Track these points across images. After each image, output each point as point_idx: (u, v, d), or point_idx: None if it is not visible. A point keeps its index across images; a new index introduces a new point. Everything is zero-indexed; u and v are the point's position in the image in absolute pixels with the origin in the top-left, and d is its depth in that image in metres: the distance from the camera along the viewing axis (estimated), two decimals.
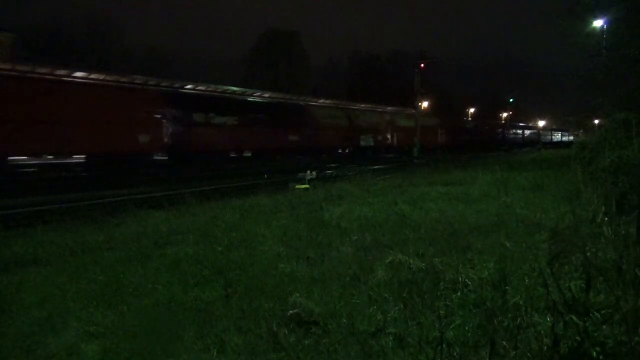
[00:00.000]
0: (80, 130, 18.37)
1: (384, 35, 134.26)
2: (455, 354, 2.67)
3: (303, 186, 12.89)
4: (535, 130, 77.80)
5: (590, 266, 2.65)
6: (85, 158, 19.34)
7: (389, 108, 44.01)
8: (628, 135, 6.91)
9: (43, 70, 19.85)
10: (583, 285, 2.86)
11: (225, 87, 30.67)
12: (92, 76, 21.66)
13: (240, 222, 7.40)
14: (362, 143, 36.46)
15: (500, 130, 65.05)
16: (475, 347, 2.76)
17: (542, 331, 2.51)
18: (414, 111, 41.66)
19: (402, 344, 2.92)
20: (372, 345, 2.95)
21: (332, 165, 26.27)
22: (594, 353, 2.15)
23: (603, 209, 5.22)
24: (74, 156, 19.24)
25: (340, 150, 35.06)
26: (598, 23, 17.19)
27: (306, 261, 4.87)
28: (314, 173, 15.67)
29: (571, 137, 66.72)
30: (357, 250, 5.18)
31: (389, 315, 3.30)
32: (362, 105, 40.80)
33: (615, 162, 6.04)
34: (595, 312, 2.46)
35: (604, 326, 2.39)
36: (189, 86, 26.88)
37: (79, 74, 21.31)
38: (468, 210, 7.43)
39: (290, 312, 3.41)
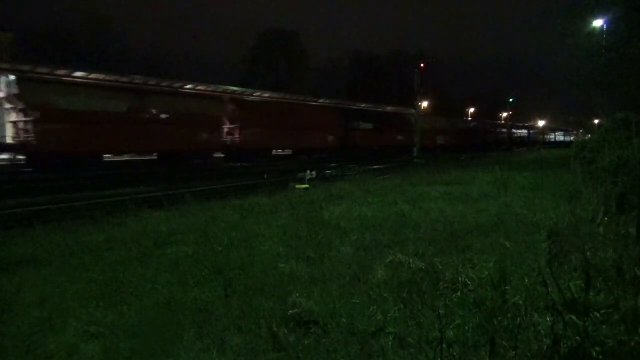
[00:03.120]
0: (298, 134, 31.93)
1: (384, 35, 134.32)
2: (455, 354, 2.67)
3: (303, 186, 12.86)
4: (535, 130, 77.86)
5: (590, 266, 2.65)
6: (292, 152, 33.70)
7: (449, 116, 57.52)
8: (628, 135, 6.91)
9: (287, 97, 38.98)
10: (583, 285, 2.86)
11: (364, 103, 47.58)
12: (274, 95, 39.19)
13: (240, 222, 7.39)
14: (438, 142, 50.40)
15: (500, 130, 65.28)
16: (475, 347, 2.76)
17: (542, 331, 2.51)
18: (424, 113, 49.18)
19: (402, 344, 2.92)
20: (372, 345, 2.95)
21: (332, 165, 26.81)
22: (594, 353, 2.14)
23: (603, 209, 5.23)
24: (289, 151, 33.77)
25: (426, 146, 45.95)
26: (598, 23, 17.18)
27: (306, 261, 4.87)
28: (314, 173, 15.64)
29: (571, 137, 66.74)
30: (357, 250, 5.18)
31: (389, 315, 3.30)
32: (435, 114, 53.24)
33: (615, 162, 6.04)
34: (595, 312, 2.46)
35: (604, 326, 2.40)
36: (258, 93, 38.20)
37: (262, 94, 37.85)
38: (468, 210, 7.43)
39: (290, 312, 3.41)
